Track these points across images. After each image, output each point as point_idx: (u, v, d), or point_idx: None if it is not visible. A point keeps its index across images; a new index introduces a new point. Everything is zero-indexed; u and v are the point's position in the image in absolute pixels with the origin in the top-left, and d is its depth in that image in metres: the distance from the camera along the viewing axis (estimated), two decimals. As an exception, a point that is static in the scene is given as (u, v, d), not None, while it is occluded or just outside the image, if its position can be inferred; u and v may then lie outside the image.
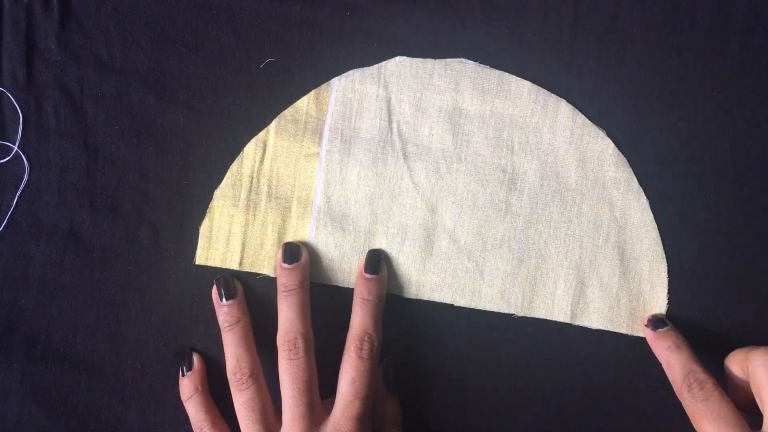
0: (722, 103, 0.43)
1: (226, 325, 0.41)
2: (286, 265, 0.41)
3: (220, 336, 0.42)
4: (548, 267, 0.43)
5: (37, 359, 0.43)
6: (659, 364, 0.40)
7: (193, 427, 0.41)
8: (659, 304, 0.42)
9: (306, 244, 0.43)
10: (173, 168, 0.44)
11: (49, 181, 0.44)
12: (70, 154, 0.44)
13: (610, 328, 0.43)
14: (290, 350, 0.39)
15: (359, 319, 0.40)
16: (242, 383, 0.39)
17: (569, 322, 0.43)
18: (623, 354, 0.43)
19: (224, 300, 0.42)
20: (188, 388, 0.42)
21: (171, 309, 0.43)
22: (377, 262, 0.42)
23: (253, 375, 0.40)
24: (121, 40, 0.44)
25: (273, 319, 0.43)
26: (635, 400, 0.43)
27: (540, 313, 0.43)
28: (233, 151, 0.44)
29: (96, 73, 0.44)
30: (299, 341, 0.39)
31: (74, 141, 0.44)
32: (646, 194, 0.43)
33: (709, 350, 0.41)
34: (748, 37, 0.44)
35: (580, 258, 0.43)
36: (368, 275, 0.42)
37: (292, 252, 0.42)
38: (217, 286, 0.42)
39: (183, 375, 0.42)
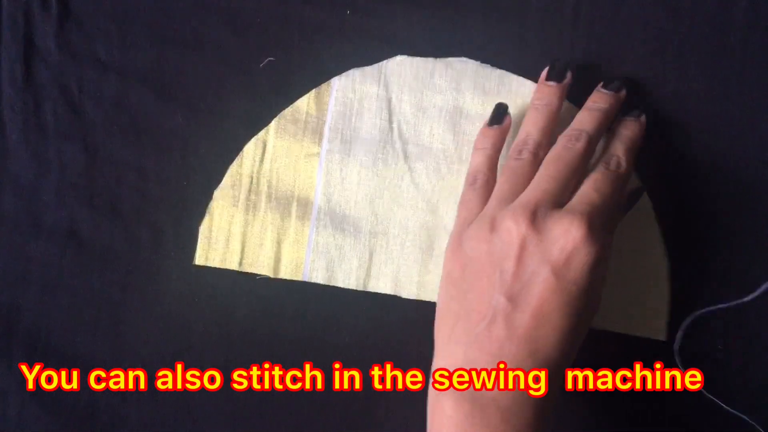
0: (722, 103, 0.43)
1: (536, 102, 0.41)
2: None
3: (218, 337, 0.42)
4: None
5: (37, 359, 0.43)
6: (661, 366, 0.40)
7: (469, 173, 0.41)
8: (661, 304, 0.42)
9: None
10: (173, 168, 0.44)
11: (48, 181, 0.44)
12: (69, 154, 0.44)
13: (610, 328, 0.43)
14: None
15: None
16: (518, 153, 0.39)
17: None
18: (624, 355, 0.43)
19: (551, 81, 0.41)
20: (487, 141, 0.41)
21: (171, 309, 0.43)
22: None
23: (533, 151, 0.39)
24: (121, 40, 0.44)
25: (274, 320, 0.43)
26: (636, 401, 0.43)
27: None
28: (233, 151, 0.44)
29: (95, 73, 0.44)
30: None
31: (73, 141, 0.44)
32: (647, 194, 0.43)
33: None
34: (748, 37, 0.44)
35: None
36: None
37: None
38: (550, 68, 0.41)
39: (488, 126, 0.42)
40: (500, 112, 0.41)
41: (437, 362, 0.37)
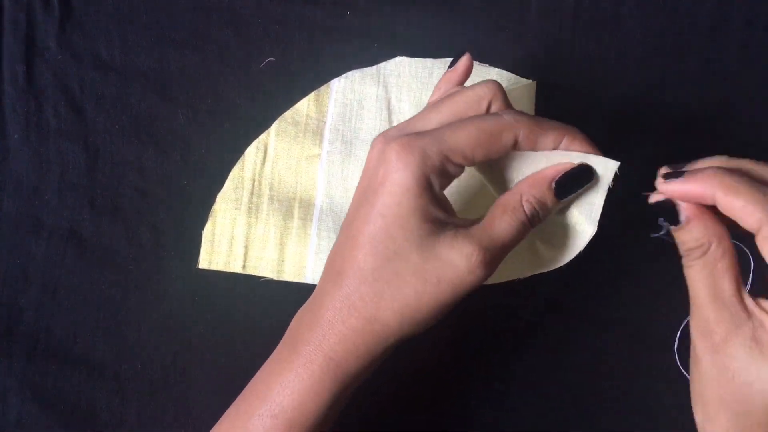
0: (722, 103, 0.43)
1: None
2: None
3: (218, 337, 0.42)
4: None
5: (37, 359, 0.43)
6: (660, 367, 0.40)
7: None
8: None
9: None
10: (173, 168, 0.44)
11: (49, 181, 0.44)
12: (70, 154, 0.44)
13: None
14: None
15: None
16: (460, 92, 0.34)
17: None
18: (626, 353, 0.43)
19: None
20: (444, 83, 0.36)
21: (171, 309, 0.43)
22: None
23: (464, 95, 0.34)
24: (121, 40, 0.44)
25: (275, 320, 0.43)
26: (636, 400, 0.43)
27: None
28: (233, 151, 0.44)
29: (96, 73, 0.44)
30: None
31: (74, 141, 0.44)
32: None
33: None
34: (748, 37, 0.44)
35: None
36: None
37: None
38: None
39: (448, 69, 0.36)
40: (459, 56, 0.36)
41: None
